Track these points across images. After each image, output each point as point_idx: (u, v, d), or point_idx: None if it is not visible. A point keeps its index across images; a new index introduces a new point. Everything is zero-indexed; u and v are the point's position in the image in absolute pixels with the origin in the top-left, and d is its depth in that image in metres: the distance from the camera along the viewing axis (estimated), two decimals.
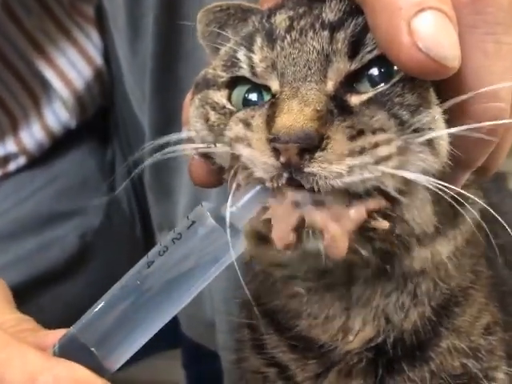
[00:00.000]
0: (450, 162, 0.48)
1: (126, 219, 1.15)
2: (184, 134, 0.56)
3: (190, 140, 0.56)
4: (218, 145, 0.52)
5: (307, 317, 0.58)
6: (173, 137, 0.56)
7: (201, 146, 0.54)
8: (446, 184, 0.46)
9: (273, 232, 0.48)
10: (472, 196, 0.49)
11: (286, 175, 0.46)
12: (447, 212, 0.52)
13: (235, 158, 0.49)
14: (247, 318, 0.65)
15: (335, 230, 0.46)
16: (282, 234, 0.48)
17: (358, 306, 0.56)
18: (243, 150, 0.48)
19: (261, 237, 0.54)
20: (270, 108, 0.48)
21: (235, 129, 0.50)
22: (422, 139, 0.46)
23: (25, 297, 1.04)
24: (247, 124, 0.49)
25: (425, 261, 0.53)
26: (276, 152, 0.46)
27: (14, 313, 0.59)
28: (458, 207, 0.48)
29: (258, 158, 0.47)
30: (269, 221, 0.49)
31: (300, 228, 0.47)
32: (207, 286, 0.95)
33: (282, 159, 0.45)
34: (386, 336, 0.56)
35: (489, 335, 0.59)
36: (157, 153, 0.52)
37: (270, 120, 0.47)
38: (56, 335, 0.53)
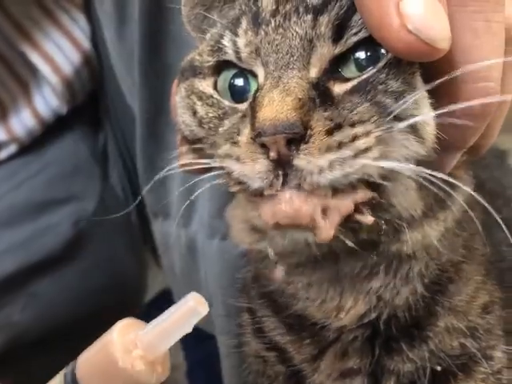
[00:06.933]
0: (437, 147, 0.47)
1: (120, 205, 1.15)
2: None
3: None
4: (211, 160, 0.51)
5: (304, 300, 0.58)
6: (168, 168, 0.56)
7: (202, 161, 0.52)
8: (429, 172, 0.45)
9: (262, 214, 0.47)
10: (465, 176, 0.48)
11: (281, 172, 0.45)
12: (436, 195, 0.51)
13: (228, 174, 0.48)
14: (246, 302, 0.65)
15: (322, 224, 0.46)
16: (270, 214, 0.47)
17: (349, 289, 0.56)
18: (234, 166, 0.47)
19: (255, 228, 0.53)
20: (250, 109, 0.47)
21: (224, 148, 0.49)
22: (401, 126, 0.45)
23: (20, 284, 1.04)
24: (234, 142, 0.48)
25: (416, 243, 0.53)
26: (265, 149, 0.45)
27: None
28: (449, 189, 0.47)
29: (251, 168, 0.46)
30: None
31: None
32: (202, 271, 0.94)
33: (272, 154, 0.44)
34: (380, 313, 0.56)
35: (487, 314, 0.58)
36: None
37: (252, 119, 0.46)
38: None
